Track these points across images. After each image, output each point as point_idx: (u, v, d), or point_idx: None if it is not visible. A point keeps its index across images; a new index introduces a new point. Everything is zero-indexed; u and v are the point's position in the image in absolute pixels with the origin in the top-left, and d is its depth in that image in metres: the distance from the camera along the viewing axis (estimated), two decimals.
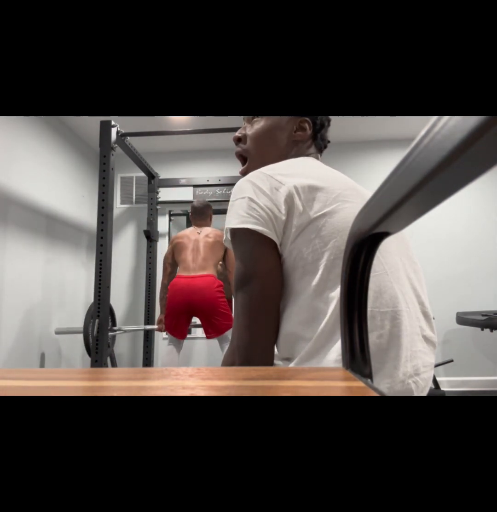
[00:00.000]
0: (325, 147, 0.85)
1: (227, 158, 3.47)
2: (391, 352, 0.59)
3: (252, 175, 0.68)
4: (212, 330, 2.42)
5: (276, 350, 0.68)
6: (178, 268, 2.55)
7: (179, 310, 2.41)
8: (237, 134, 0.83)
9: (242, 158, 0.83)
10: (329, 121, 0.84)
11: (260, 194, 0.64)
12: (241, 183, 0.68)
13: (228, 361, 0.65)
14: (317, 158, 0.83)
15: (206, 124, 3.04)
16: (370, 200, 0.29)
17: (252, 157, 0.80)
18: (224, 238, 0.70)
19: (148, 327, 2.94)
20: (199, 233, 2.58)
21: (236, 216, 0.65)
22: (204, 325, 2.45)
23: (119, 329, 2.87)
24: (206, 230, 2.60)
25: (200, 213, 2.68)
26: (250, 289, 0.62)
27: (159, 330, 2.63)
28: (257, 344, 0.62)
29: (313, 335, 0.61)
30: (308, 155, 0.81)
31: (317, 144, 0.83)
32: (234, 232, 0.65)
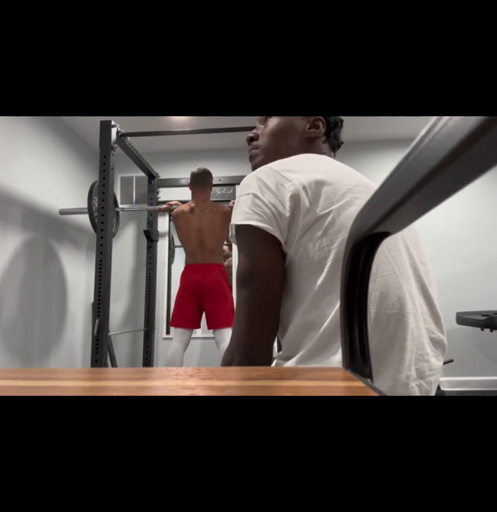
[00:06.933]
0: (338, 146, 0.85)
1: (228, 158, 3.47)
2: (395, 355, 0.58)
3: (259, 170, 0.68)
4: (215, 319, 2.46)
5: (276, 349, 0.68)
6: (185, 257, 2.60)
7: (191, 289, 2.46)
8: (250, 134, 0.84)
9: (255, 157, 0.84)
10: (341, 121, 0.85)
11: (264, 190, 0.64)
12: (248, 178, 0.68)
13: (227, 358, 0.64)
14: (330, 156, 0.82)
15: (206, 124, 3.04)
16: (370, 200, 0.29)
17: (266, 153, 0.81)
18: (230, 234, 0.70)
19: (151, 208, 3.08)
20: (199, 211, 2.51)
21: (241, 213, 0.65)
22: (208, 313, 2.49)
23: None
24: (206, 215, 2.51)
25: (199, 181, 2.57)
26: (251, 287, 0.62)
27: (162, 209, 2.82)
28: (256, 341, 0.62)
29: (316, 334, 0.60)
30: (321, 153, 0.81)
31: (330, 142, 0.83)
32: (239, 228, 0.65)
